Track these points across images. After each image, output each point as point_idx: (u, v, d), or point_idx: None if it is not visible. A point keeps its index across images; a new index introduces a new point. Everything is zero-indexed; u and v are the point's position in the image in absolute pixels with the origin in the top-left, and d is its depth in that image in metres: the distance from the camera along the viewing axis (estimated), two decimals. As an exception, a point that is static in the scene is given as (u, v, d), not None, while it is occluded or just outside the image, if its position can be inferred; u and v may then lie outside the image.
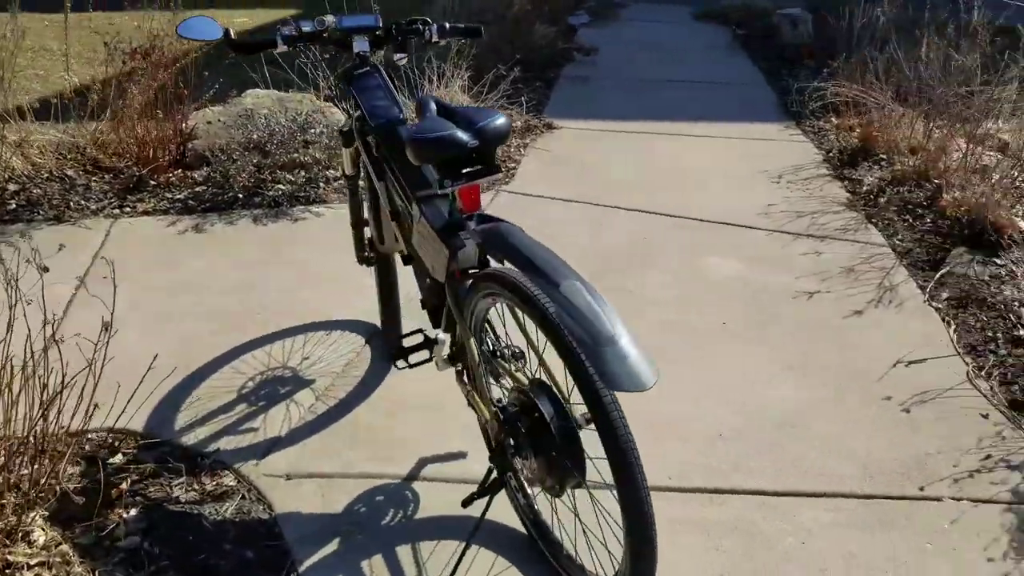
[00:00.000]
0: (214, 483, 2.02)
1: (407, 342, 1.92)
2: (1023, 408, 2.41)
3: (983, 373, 2.59)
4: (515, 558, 1.83)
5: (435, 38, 2.20)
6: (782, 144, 4.93)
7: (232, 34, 2.02)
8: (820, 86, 5.11)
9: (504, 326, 1.83)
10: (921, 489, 2.10)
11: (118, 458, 2.07)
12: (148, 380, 1.89)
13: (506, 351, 1.85)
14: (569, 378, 1.48)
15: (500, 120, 1.65)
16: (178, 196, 3.74)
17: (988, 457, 2.22)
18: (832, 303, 3.03)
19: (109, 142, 3.94)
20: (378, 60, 2.22)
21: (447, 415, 2.31)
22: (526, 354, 1.84)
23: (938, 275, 3.21)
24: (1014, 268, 3.23)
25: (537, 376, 1.66)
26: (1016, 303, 2.95)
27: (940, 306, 3.02)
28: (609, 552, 1.63)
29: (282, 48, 2.08)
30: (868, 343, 2.77)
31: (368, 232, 2.42)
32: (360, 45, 2.15)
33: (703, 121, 5.30)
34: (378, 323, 2.74)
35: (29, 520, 1.70)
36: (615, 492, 1.37)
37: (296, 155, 3.84)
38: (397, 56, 2.21)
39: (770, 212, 3.86)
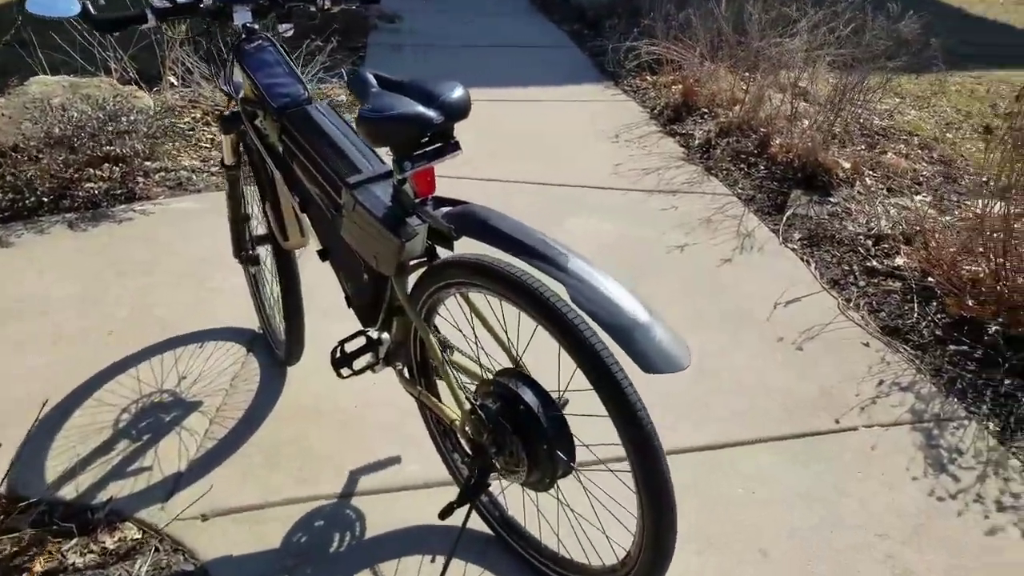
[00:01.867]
0: (116, 539, 1.71)
1: (349, 347, 1.71)
2: (896, 333, 2.62)
3: (852, 305, 2.78)
4: (486, 560, 1.71)
5: (327, 5, 1.97)
6: (608, 104, 5.03)
7: (91, 8, 1.69)
8: (634, 45, 5.27)
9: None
10: (837, 421, 2.21)
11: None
12: None
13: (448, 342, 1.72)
14: (551, 362, 1.38)
15: (460, 91, 1.49)
16: (-34, 206, 3.16)
17: (881, 383, 2.38)
18: (703, 253, 3.13)
19: None
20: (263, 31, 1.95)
21: (361, 419, 2.13)
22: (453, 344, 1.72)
23: (784, 218, 3.41)
24: (848, 205, 3.50)
25: (505, 367, 1.54)
26: (861, 236, 3.20)
27: (795, 247, 3.20)
28: (607, 537, 1.56)
29: (152, 23, 1.77)
30: (745, 287, 2.88)
31: (257, 226, 2.16)
32: (242, 16, 1.88)
33: (528, 86, 5.29)
34: (255, 327, 2.48)
35: None
36: (633, 471, 1.29)
37: (111, 148, 3.36)
38: (283, 27, 1.96)
39: (619, 171, 3.92)
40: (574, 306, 1.26)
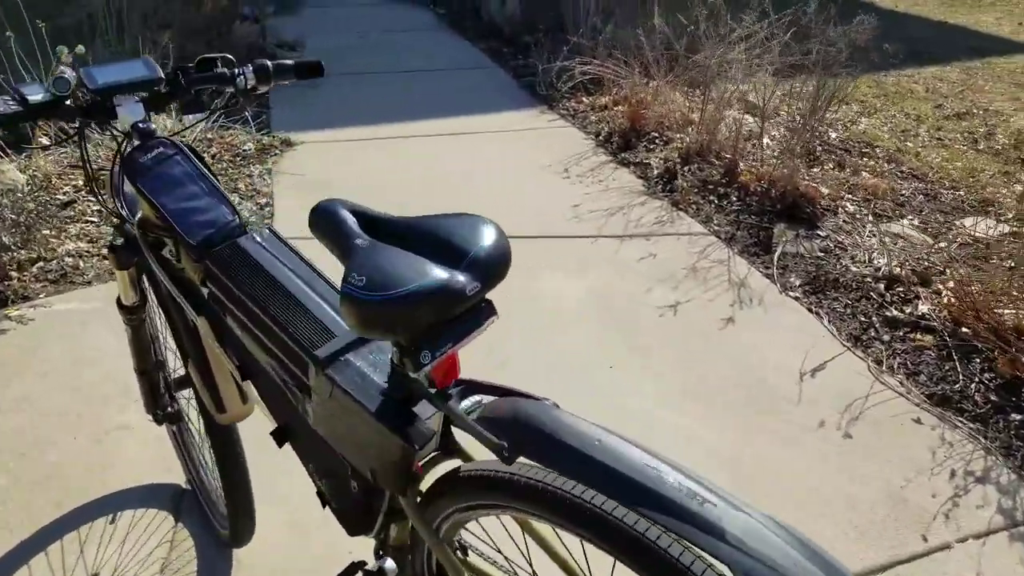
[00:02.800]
0: None
1: None
2: (946, 403, 2.26)
3: (885, 368, 2.42)
4: None
5: (250, 84, 1.42)
6: (547, 132, 4.59)
7: None
8: (566, 65, 4.85)
9: None
10: (925, 540, 1.82)
11: None
12: None
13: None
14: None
15: (493, 234, 1.01)
16: None
17: (953, 474, 2.01)
18: (699, 312, 2.72)
19: None
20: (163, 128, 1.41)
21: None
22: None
23: (775, 259, 3.05)
24: (838, 238, 3.17)
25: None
26: (869, 279, 2.85)
27: (798, 295, 2.83)
28: None
29: None
30: (757, 354, 2.49)
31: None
32: (130, 111, 1.30)
33: (456, 115, 4.81)
34: (180, 481, 1.93)
35: None
36: None
37: (-29, 244, 2.73)
38: (191, 117, 1.42)
39: (579, 214, 3.49)
40: None
